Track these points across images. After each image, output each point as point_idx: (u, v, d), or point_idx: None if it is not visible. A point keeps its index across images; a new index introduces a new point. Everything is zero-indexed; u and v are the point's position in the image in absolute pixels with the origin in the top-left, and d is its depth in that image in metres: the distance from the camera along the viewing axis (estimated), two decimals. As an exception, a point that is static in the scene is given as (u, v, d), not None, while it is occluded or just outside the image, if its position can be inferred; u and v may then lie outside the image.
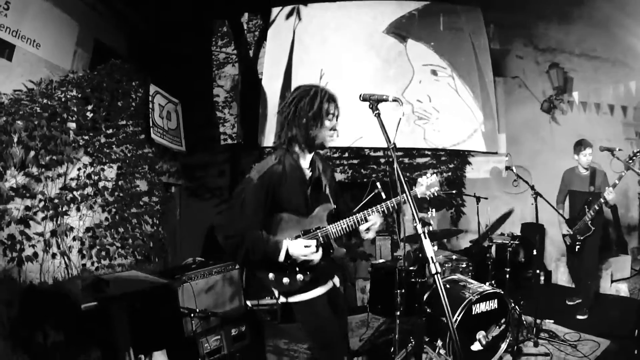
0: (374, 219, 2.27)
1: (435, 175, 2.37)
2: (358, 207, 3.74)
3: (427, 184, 2.33)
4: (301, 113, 2.16)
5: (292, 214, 2.22)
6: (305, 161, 2.30)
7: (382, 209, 2.26)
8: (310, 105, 2.16)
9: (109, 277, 3.37)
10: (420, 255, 1.49)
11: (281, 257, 2.11)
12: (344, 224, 2.24)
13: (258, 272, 2.22)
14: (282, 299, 2.21)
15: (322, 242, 2.22)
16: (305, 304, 2.24)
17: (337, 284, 2.44)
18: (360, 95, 1.94)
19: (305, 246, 2.13)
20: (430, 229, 3.89)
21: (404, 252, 2.90)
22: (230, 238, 2.12)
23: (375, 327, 4.38)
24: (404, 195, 1.71)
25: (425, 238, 1.54)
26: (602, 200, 4.28)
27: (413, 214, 1.57)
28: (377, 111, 1.86)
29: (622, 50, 6.01)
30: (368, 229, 2.30)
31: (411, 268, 3.54)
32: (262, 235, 2.14)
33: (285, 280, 2.18)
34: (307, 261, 2.17)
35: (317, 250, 2.17)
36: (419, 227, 1.54)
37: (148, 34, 5.90)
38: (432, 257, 1.51)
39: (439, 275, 1.50)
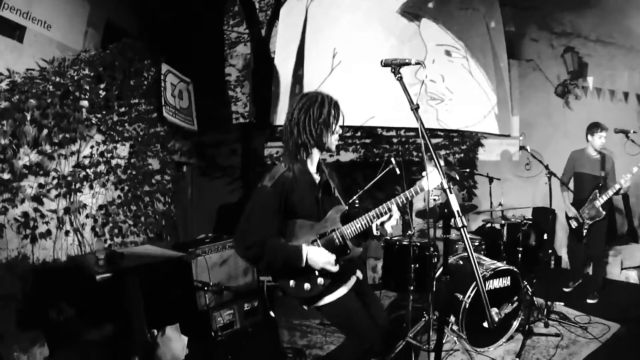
0: (387, 215, 2.27)
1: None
2: (371, 183, 3.75)
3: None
4: (312, 120, 2.17)
5: (306, 219, 2.21)
6: (312, 166, 2.31)
7: (393, 205, 2.26)
8: (319, 112, 2.17)
9: (122, 251, 3.39)
10: (445, 210, 1.45)
11: (303, 263, 2.09)
12: (358, 224, 2.23)
13: (279, 280, 2.22)
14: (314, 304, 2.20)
15: (339, 243, 2.21)
16: (333, 306, 2.21)
17: (360, 276, 2.42)
18: (382, 61, 1.93)
19: (328, 261, 2.12)
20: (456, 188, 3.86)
21: (428, 207, 2.82)
22: (250, 248, 2.08)
23: (387, 303, 4.40)
24: (430, 156, 1.69)
25: (451, 193, 1.54)
26: (617, 187, 4.24)
27: (438, 169, 1.56)
28: (400, 75, 1.85)
29: (638, 38, 5.93)
30: (382, 224, 2.31)
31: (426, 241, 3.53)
32: (281, 242, 2.13)
33: (307, 285, 2.15)
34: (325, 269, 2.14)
35: (335, 264, 2.14)
36: (444, 182, 1.54)
37: (159, 14, 5.87)
38: (458, 211, 1.50)
39: (464, 229, 1.49)
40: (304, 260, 2.09)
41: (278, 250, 2.08)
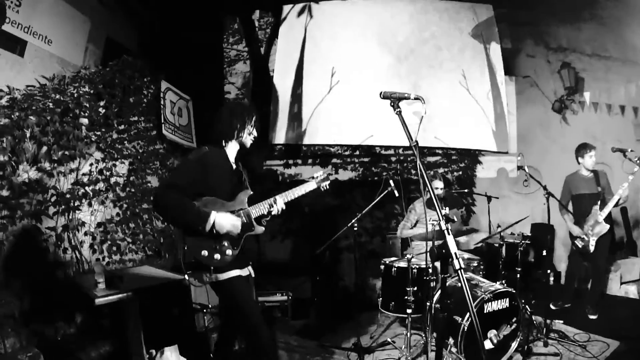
0: (280, 202, 2.70)
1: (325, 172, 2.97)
2: (371, 205, 3.77)
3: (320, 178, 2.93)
4: (236, 118, 2.66)
5: (218, 198, 2.55)
6: (231, 156, 2.71)
7: (289, 196, 2.75)
8: (241, 113, 2.69)
9: (121, 272, 3.38)
10: (443, 251, 1.52)
11: (208, 226, 2.39)
12: (261, 206, 2.67)
13: (193, 252, 2.46)
14: (214, 278, 2.50)
15: (245, 221, 2.58)
16: (232, 282, 2.54)
17: (252, 273, 2.78)
18: (381, 93, 1.96)
19: (233, 223, 2.48)
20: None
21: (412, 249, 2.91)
22: (172, 187, 2.39)
23: (385, 324, 4.39)
24: (427, 190, 1.72)
25: (449, 234, 1.56)
26: (616, 197, 4.26)
27: (437, 211, 1.57)
28: (399, 109, 1.89)
29: (634, 50, 5.98)
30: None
31: (424, 265, 3.53)
32: (193, 204, 2.43)
33: (217, 256, 2.47)
34: (228, 234, 2.48)
35: (240, 227, 2.52)
36: (442, 223, 1.55)
37: (159, 31, 5.90)
38: (455, 253, 1.53)
39: (462, 271, 1.51)
40: (211, 223, 2.39)
41: (188, 209, 2.38)
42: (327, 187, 2.93)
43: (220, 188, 2.59)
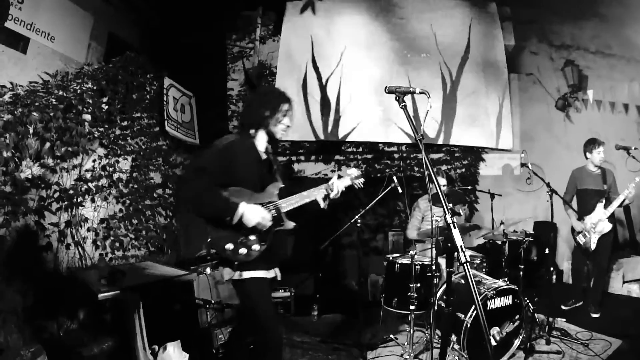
0: (320, 194, 2.56)
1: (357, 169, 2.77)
2: (374, 201, 3.77)
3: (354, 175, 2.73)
4: (270, 106, 2.50)
5: (246, 188, 2.40)
6: (261, 146, 2.57)
7: (324, 189, 2.57)
8: (278, 102, 2.52)
9: (125, 268, 3.39)
10: (449, 244, 1.52)
11: (236, 218, 2.25)
12: (292, 200, 2.48)
13: (216, 245, 2.34)
14: (237, 275, 2.35)
15: (275, 215, 2.41)
16: (252, 282, 2.38)
17: (279, 277, 2.60)
18: (386, 88, 1.95)
19: (263, 216, 2.32)
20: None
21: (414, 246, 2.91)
22: (201, 172, 2.28)
23: (388, 321, 4.39)
24: (432, 185, 1.71)
25: (455, 228, 1.55)
26: (622, 197, 4.24)
27: (443, 205, 1.57)
28: (404, 103, 1.88)
29: (637, 48, 5.96)
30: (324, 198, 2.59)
31: (427, 262, 3.53)
32: (223, 193, 2.31)
33: (243, 250, 2.31)
34: (256, 227, 2.32)
35: (270, 220, 2.36)
36: (448, 216, 1.55)
37: (162, 28, 5.91)
38: (461, 247, 1.52)
39: (467, 264, 1.50)
40: (239, 214, 2.25)
41: (217, 197, 2.25)
42: (362, 185, 2.77)
43: (248, 178, 2.43)
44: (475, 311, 3.14)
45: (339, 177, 2.67)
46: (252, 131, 2.53)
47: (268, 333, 2.40)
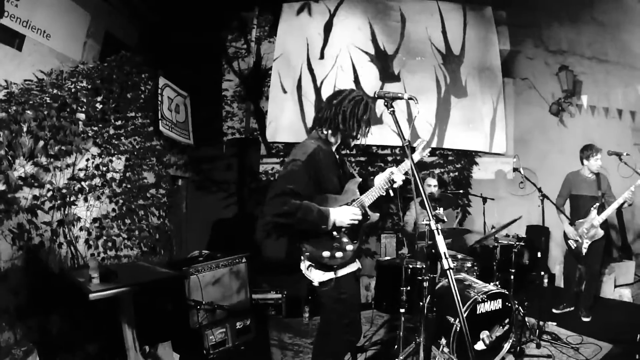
0: (398, 176, 2.52)
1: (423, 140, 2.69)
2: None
3: (422, 146, 2.67)
4: (355, 115, 2.43)
5: (330, 194, 2.46)
6: (334, 147, 2.59)
7: (403, 168, 2.54)
8: (363, 112, 2.45)
9: (117, 268, 3.38)
10: (433, 251, 1.55)
11: (330, 225, 2.32)
12: (373, 192, 2.51)
13: (315, 256, 2.40)
14: (332, 275, 2.41)
15: (361, 211, 2.45)
16: (346, 278, 2.46)
17: (360, 267, 2.66)
18: (375, 93, 1.97)
19: (353, 213, 2.37)
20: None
21: (406, 248, 2.93)
22: (290, 194, 2.25)
23: (379, 324, 4.40)
24: (419, 192, 1.72)
25: (439, 234, 1.57)
26: (621, 200, 4.24)
27: (427, 211, 1.58)
28: (392, 109, 1.90)
29: (633, 55, 5.99)
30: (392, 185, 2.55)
31: (419, 265, 3.55)
32: (312, 204, 2.32)
33: (339, 254, 2.38)
34: (350, 226, 2.38)
35: (360, 215, 2.42)
36: (432, 223, 1.56)
37: (158, 27, 5.90)
38: (444, 253, 1.54)
39: (451, 271, 1.52)
40: (332, 221, 2.32)
41: (309, 211, 2.26)
42: (428, 154, 2.75)
43: (330, 183, 2.48)
44: (465, 314, 3.16)
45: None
46: (332, 139, 2.55)
47: (352, 323, 2.52)
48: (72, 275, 3.53)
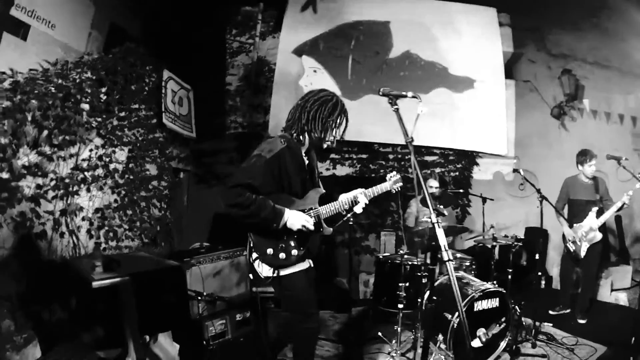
0: (361, 200, 2.54)
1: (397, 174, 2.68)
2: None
3: (393, 180, 2.64)
4: (322, 115, 2.44)
5: (290, 195, 2.47)
6: (303, 149, 2.57)
7: (369, 194, 2.56)
8: (330, 112, 2.45)
9: (119, 257, 3.40)
10: (433, 243, 1.57)
11: (281, 224, 2.33)
12: (332, 207, 2.53)
13: (258, 249, 2.45)
14: (275, 273, 2.44)
15: (315, 221, 2.47)
16: (290, 278, 2.47)
17: (312, 265, 2.64)
18: (380, 90, 1.99)
19: (306, 220, 2.39)
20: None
21: (405, 246, 2.95)
22: (248, 188, 2.26)
23: (377, 319, 4.43)
24: (421, 188, 1.75)
25: (439, 227, 1.59)
26: (620, 203, 4.27)
27: (429, 204, 1.61)
28: (396, 106, 1.92)
29: (634, 62, 6.01)
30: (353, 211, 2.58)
31: (417, 262, 3.57)
32: (269, 201, 2.32)
33: (282, 255, 2.41)
34: (299, 231, 2.40)
35: (312, 226, 2.43)
36: (433, 216, 1.59)
37: (163, 20, 5.90)
38: (444, 246, 1.56)
39: (450, 262, 1.54)
40: (284, 221, 2.33)
41: (264, 207, 2.27)
42: (399, 189, 2.68)
43: (293, 185, 2.47)
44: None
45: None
46: (301, 138, 2.53)
47: (308, 318, 2.52)
48: (74, 263, 3.56)
